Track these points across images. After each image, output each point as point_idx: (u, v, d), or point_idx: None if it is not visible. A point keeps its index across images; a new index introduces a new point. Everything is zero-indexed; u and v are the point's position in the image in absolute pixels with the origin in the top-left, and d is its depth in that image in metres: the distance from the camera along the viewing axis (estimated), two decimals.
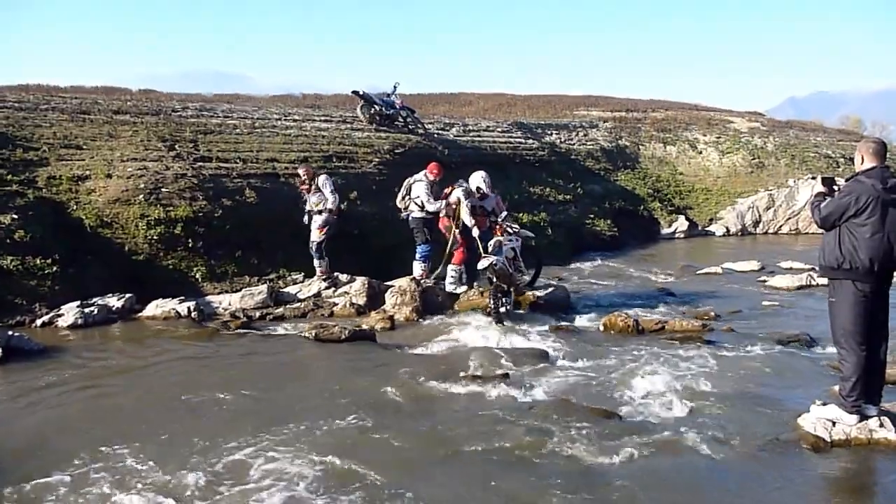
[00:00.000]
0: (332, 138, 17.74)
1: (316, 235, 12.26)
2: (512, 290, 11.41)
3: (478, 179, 11.67)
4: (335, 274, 12.41)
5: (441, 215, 11.70)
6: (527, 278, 11.94)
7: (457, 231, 11.47)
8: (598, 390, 7.68)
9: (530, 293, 11.96)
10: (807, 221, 24.36)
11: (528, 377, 8.04)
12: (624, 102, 33.83)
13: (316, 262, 12.39)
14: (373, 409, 6.96)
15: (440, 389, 7.58)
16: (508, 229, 11.64)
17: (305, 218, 12.41)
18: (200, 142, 15.52)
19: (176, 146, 14.91)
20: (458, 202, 11.50)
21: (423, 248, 12.07)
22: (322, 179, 12.43)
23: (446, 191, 11.81)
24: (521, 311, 11.44)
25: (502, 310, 10.91)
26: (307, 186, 12.27)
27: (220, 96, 24.65)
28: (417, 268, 12.06)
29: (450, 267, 11.41)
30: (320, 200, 12.25)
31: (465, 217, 11.26)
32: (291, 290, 12.15)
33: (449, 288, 11.39)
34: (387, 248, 14.35)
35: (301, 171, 12.38)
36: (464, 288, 11.36)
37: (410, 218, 12.16)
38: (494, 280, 10.90)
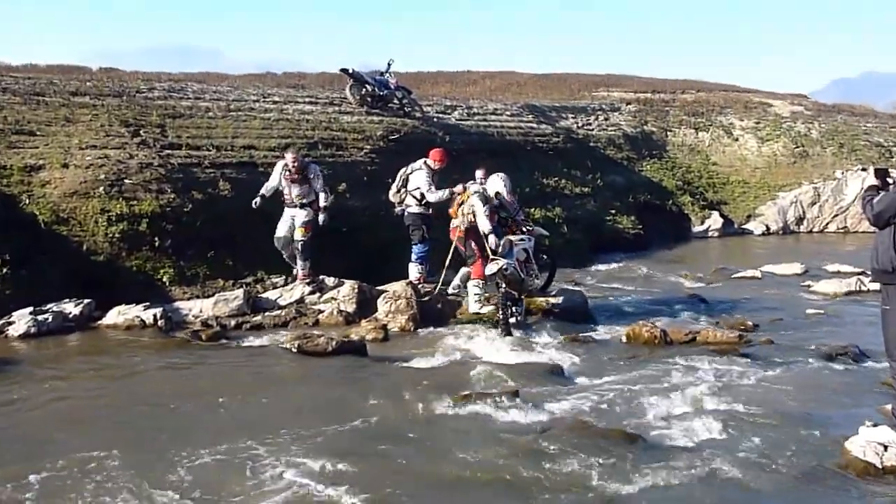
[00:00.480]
0: (318, 123, 17.75)
1: (300, 234, 12.25)
2: (523, 297, 11.42)
3: (498, 184, 11.49)
4: (320, 277, 12.40)
5: (452, 226, 11.55)
6: (539, 282, 11.92)
7: (467, 240, 11.29)
8: (619, 410, 7.69)
9: (542, 299, 11.96)
10: (857, 218, 24.36)
11: (540, 395, 8.04)
12: (650, 82, 33.81)
13: (299, 264, 12.38)
14: (362, 433, 6.96)
15: (440, 409, 7.58)
16: (522, 227, 11.65)
17: (256, 200, 12.27)
18: (168, 127, 15.53)
19: (141, 132, 14.91)
20: (473, 212, 11.19)
21: (420, 247, 12.08)
22: (314, 169, 12.44)
23: (458, 189, 11.69)
24: (533, 321, 11.43)
25: (512, 320, 10.90)
26: (295, 176, 12.25)
27: (190, 75, 24.63)
28: (414, 270, 12.07)
29: (471, 283, 11.31)
30: (305, 193, 12.25)
31: (483, 224, 11.00)
32: (271, 295, 12.15)
33: (473, 308, 11.29)
34: (379, 247, 14.33)
35: (289, 158, 12.28)
36: (490, 308, 11.14)
37: (406, 214, 12.16)
38: (504, 287, 10.90)
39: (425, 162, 12.14)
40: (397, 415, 7.42)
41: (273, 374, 8.82)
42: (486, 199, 11.25)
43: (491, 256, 10.90)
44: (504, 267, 10.76)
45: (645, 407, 7.71)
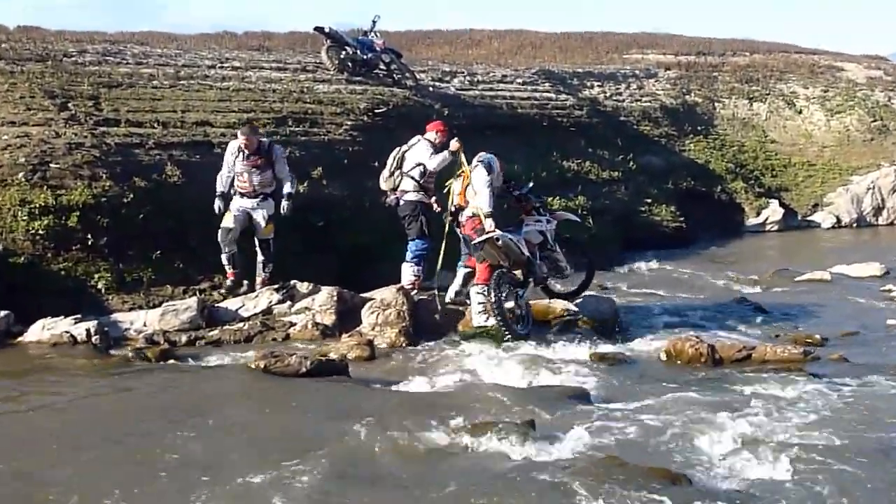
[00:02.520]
0: (287, 93, 17.73)
1: (267, 231, 12.24)
2: (530, 280, 11.54)
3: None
4: (291, 282, 12.38)
5: (468, 215, 11.54)
6: (567, 271, 12.19)
7: (458, 224, 11.39)
8: (658, 444, 7.64)
9: (561, 307, 11.96)
10: None
11: (561, 426, 7.99)
12: (693, 42, 33.82)
13: (260, 267, 12.38)
14: (342, 473, 6.91)
15: (438, 443, 7.54)
16: (539, 208, 11.78)
17: (219, 205, 12.30)
18: (104, 98, 15.49)
19: (70, 105, 14.89)
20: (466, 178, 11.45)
21: (418, 244, 12.03)
22: (279, 151, 12.43)
23: (454, 145, 11.86)
24: (551, 334, 11.43)
25: (509, 305, 10.96)
26: (256, 160, 12.20)
27: (129, 35, 24.62)
28: (408, 273, 12.03)
29: (474, 289, 11.36)
30: (269, 180, 12.20)
31: (483, 200, 11.19)
32: (231, 304, 12.14)
33: (477, 320, 11.32)
34: (364, 245, 14.32)
35: (241, 139, 12.26)
36: (495, 320, 11.12)
37: (402, 203, 12.13)
38: (499, 262, 10.98)
39: (423, 137, 12.18)
40: (385, 451, 7.37)
41: (233, 400, 8.76)
42: (490, 167, 11.41)
43: (488, 229, 11.05)
44: (496, 237, 10.86)
45: (690, 440, 7.66)
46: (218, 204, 12.27)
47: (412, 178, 12.04)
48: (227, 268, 12.46)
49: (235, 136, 12.72)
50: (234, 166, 12.23)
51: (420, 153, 12.10)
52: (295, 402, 8.65)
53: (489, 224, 11.09)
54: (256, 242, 12.48)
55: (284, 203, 12.34)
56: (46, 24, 26.34)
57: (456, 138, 12.10)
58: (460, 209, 11.70)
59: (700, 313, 13.33)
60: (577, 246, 12.96)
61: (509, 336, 10.88)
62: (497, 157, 11.92)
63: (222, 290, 12.53)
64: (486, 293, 11.10)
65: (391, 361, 10.47)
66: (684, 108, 27.03)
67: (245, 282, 12.47)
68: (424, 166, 12.01)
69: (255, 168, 12.18)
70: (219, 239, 12.30)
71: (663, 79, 28.44)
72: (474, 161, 11.69)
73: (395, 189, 12.25)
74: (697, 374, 9.87)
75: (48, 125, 14.01)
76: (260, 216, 12.29)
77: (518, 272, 11.38)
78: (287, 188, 12.36)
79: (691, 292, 15.31)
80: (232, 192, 12.35)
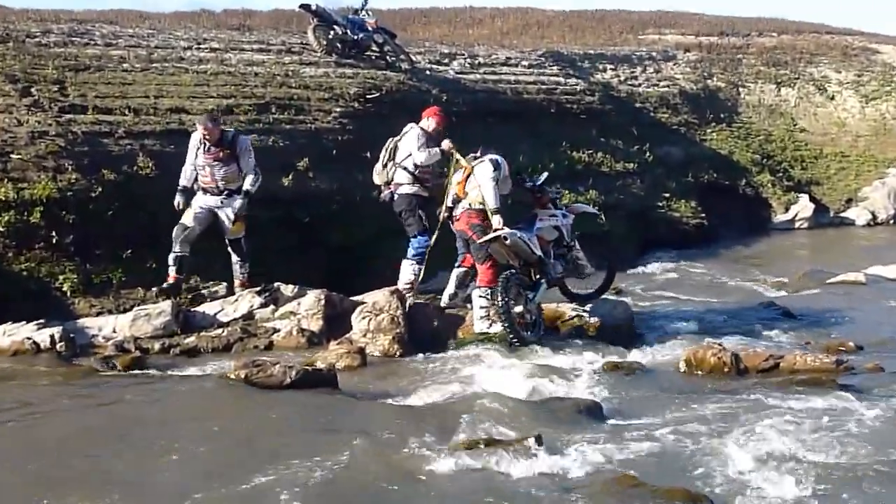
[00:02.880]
0: (271, 77, 17.72)
1: (236, 228, 12.16)
2: (542, 282, 11.52)
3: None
4: (274, 285, 12.38)
5: (459, 210, 11.56)
6: (588, 270, 12.23)
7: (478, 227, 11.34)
8: (676, 462, 7.64)
9: (572, 312, 11.97)
10: None
11: (571, 442, 7.99)
12: (716, 22, 33.83)
13: (237, 269, 12.43)
14: (328, 497, 6.91)
15: (436, 461, 7.52)
16: (553, 203, 11.81)
17: (179, 200, 12.25)
18: (69, 83, 15.48)
19: (32, 90, 14.87)
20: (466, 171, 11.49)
21: (420, 240, 12.01)
22: (244, 142, 12.36)
23: (446, 144, 11.78)
24: (560, 341, 11.44)
25: (517, 309, 10.98)
26: (218, 153, 12.13)
27: (98, 13, 24.61)
28: (407, 272, 12.02)
29: (476, 292, 11.38)
30: (234, 174, 12.12)
31: (490, 196, 11.18)
32: (209, 309, 12.14)
33: (479, 326, 11.35)
34: (354, 244, 14.32)
35: (201, 128, 12.19)
36: (499, 327, 11.16)
37: (397, 196, 12.13)
38: (508, 262, 11.06)
39: (420, 125, 12.18)
40: (377, 470, 7.36)
41: (211, 414, 8.75)
42: (497, 164, 11.38)
43: (495, 226, 11.05)
44: (504, 236, 10.89)
45: (711, 458, 7.66)
46: (178, 199, 12.23)
47: (406, 169, 12.04)
48: (170, 268, 12.26)
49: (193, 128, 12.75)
50: (196, 159, 12.20)
51: (410, 142, 12.12)
52: (278, 416, 8.63)
53: (497, 221, 11.08)
54: (227, 243, 12.44)
55: (239, 201, 12.19)
56: (8, 1, 26.34)
57: (448, 139, 12.08)
58: (457, 202, 11.68)
59: (723, 319, 13.32)
60: (594, 243, 12.95)
61: (518, 343, 10.88)
62: (505, 160, 11.84)
63: (201, 293, 12.53)
64: (489, 297, 11.08)
65: (384, 371, 10.44)
66: (706, 94, 27.03)
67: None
68: (414, 162, 12.00)
69: (218, 161, 12.12)
70: (173, 235, 12.19)
71: (683, 62, 28.43)
72: (481, 158, 11.62)
73: (388, 183, 12.25)
74: (720, 385, 9.86)
75: (9, 112, 14.01)
76: (224, 215, 12.23)
77: (529, 272, 11.35)
78: (247, 184, 12.22)
79: (713, 296, 15.30)
80: (196, 187, 12.33)
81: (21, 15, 21.06)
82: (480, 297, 11.25)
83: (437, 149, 11.99)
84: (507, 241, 10.99)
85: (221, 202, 12.23)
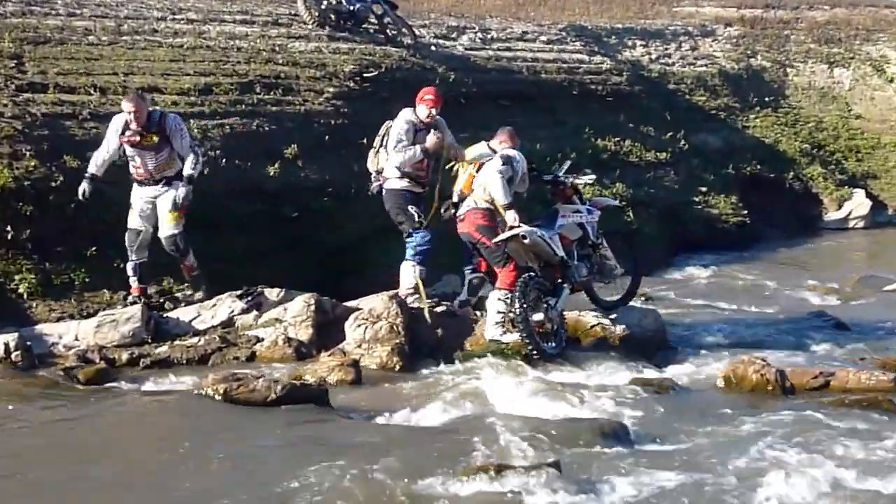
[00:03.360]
0: (255, 53, 17.73)
1: (173, 223, 11.95)
2: (566, 285, 11.55)
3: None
4: (257, 288, 12.37)
5: (464, 209, 11.55)
6: (616, 271, 12.27)
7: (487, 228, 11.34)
8: (713, 493, 7.64)
9: (594, 321, 11.97)
10: None
11: (593, 469, 8.00)
12: None
13: (181, 260, 12.23)
14: None
15: (440, 489, 7.53)
16: (576, 194, 11.83)
17: (84, 188, 12.00)
18: (27, 58, 15.48)
19: None
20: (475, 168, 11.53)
21: (418, 237, 11.91)
22: (174, 121, 12.10)
23: (431, 140, 11.76)
24: (581, 353, 11.44)
25: (537, 317, 10.99)
26: (145, 137, 11.84)
27: None
28: (409, 274, 11.96)
29: (493, 294, 11.39)
30: (167, 161, 12.01)
31: (498, 191, 11.18)
32: (183, 314, 12.15)
33: (491, 332, 11.34)
34: (348, 242, 14.33)
35: (130, 105, 11.82)
36: (515, 336, 11.13)
37: (385, 192, 12.09)
38: (527, 263, 11.09)
39: (413, 110, 12.09)
40: (373, 499, 7.38)
41: (186, 434, 8.76)
42: (507, 159, 11.35)
43: (510, 222, 11.08)
44: (522, 235, 10.88)
45: (754, 489, 7.66)
46: (84, 187, 11.97)
47: (394, 164, 11.92)
48: (131, 280, 12.21)
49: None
50: (118, 145, 11.91)
51: (393, 131, 11.98)
52: (263, 438, 8.66)
53: (511, 217, 11.07)
54: (163, 243, 12.09)
55: (182, 189, 11.93)
56: None
57: (434, 135, 11.86)
58: (462, 199, 11.66)
59: (766, 330, 13.32)
60: (619, 241, 12.92)
61: (536, 355, 10.88)
62: (524, 158, 11.82)
63: (175, 296, 12.55)
64: (509, 301, 11.08)
65: (381, 387, 10.45)
66: (748, 75, 27.00)
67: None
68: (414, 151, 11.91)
69: (145, 148, 11.86)
70: (126, 244, 12.10)
71: (723, 38, 28.42)
72: (490, 155, 11.64)
73: (379, 172, 12.20)
74: (763, 405, 9.85)
75: None
76: (164, 205, 11.96)
77: (550, 275, 11.34)
78: (187, 168, 11.97)
79: (755, 304, 15.29)
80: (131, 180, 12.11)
81: None
82: (499, 300, 11.22)
83: (416, 148, 11.81)
84: (527, 241, 10.97)
85: (159, 191, 12.00)
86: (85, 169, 12.45)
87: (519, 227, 10.98)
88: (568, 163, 12.64)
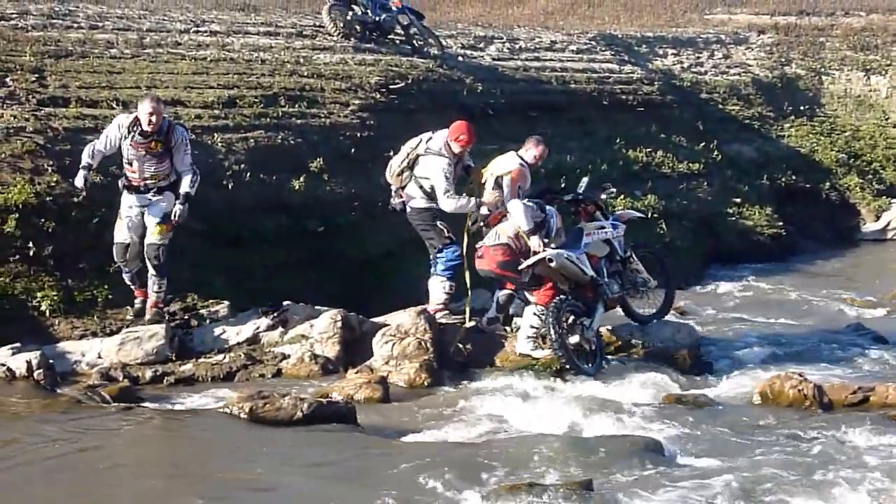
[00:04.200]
0: (279, 65, 17.77)
1: (158, 234, 11.85)
2: (598, 306, 11.52)
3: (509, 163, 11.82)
4: (284, 304, 12.38)
5: (484, 245, 11.51)
6: (650, 283, 12.20)
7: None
8: None
9: (624, 333, 11.94)
10: None
11: (626, 488, 7.97)
12: (794, 0, 33.66)
13: (152, 282, 12.06)
14: None
15: None
16: (599, 210, 11.79)
17: (84, 177, 11.80)
18: (49, 72, 15.55)
19: (7, 79, 14.96)
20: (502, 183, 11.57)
21: (448, 252, 11.91)
22: (182, 134, 12.08)
23: (489, 198, 11.75)
24: (612, 368, 11.40)
25: (574, 339, 10.99)
26: (153, 143, 11.80)
27: None
28: (438, 290, 11.96)
29: (529, 310, 11.39)
30: (167, 171, 12.00)
31: (519, 215, 11.20)
32: (208, 331, 12.17)
33: (522, 347, 11.37)
34: (375, 257, 14.33)
35: (146, 108, 11.70)
36: (546, 352, 11.20)
37: (409, 209, 12.10)
38: (557, 286, 11.08)
39: (446, 143, 12.03)
40: None
41: (210, 454, 8.78)
42: (537, 211, 11.43)
43: (535, 248, 11.08)
44: (549, 258, 10.90)
45: None
46: (82, 176, 11.79)
47: (422, 188, 11.96)
48: (133, 287, 12.21)
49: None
50: (118, 147, 11.80)
51: (436, 173, 11.87)
52: (287, 457, 8.65)
53: (535, 242, 11.09)
54: (144, 251, 11.95)
55: (178, 207, 11.91)
56: None
57: (491, 191, 11.83)
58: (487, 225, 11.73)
59: (803, 344, 13.26)
60: (648, 254, 12.89)
61: (573, 372, 10.92)
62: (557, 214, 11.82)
63: (199, 313, 12.54)
64: (544, 318, 11.08)
65: (410, 404, 10.44)
66: (783, 83, 26.90)
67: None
68: (436, 195, 11.89)
69: (151, 155, 11.82)
70: (115, 258, 12.05)
71: (756, 45, 28.34)
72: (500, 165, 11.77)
73: (401, 188, 12.20)
74: (800, 422, 9.81)
75: None
76: (153, 213, 11.90)
77: (582, 295, 11.32)
78: (185, 185, 11.96)
79: (792, 317, 15.21)
80: (121, 184, 11.99)
81: None
82: (534, 314, 11.24)
83: (472, 202, 11.85)
84: (553, 264, 10.97)
85: (150, 200, 11.93)
86: (107, 183, 12.51)
87: (544, 251, 10.98)
88: (586, 179, 12.60)
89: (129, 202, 11.94)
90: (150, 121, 11.62)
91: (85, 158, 11.87)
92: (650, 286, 12.38)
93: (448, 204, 11.78)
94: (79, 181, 11.86)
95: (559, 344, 10.72)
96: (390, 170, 12.31)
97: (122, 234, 11.95)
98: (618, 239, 11.98)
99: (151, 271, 12.02)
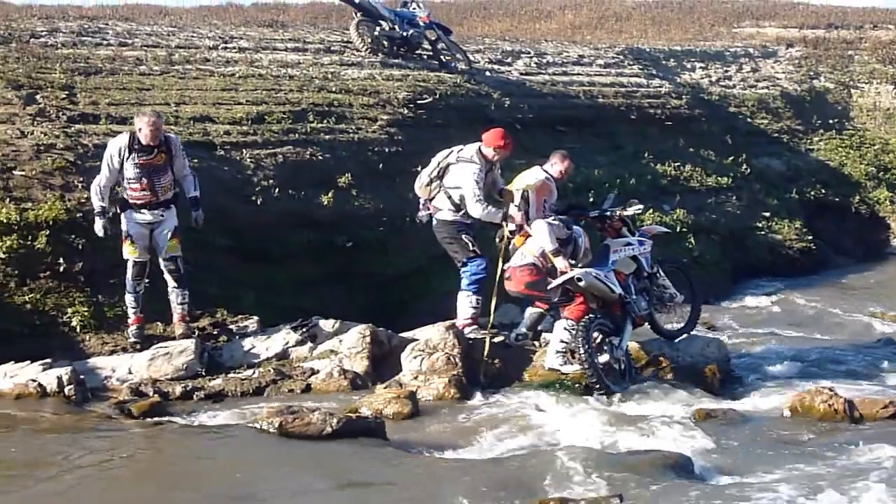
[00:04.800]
0: (308, 81, 17.86)
1: (174, 247, 11.96)
2: (628, 324, 11.52)
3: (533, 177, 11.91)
4: (312, 319, 12.41)
5: (511, 266, 11.51)
6: (677, 297, 12.18)
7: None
8: None
9: (653, 348, 11.92)
10: None
11: (656, 503, 7.96)
12: (823, 13, 33.69)
13: (175, 299, 12.13)
14: None
15: None
16: (625, 226, 11.79)
17: (103, 225, 11.84)
18: (80, 89, 15.65)
19: (38, 97, 15.05)
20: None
21: (474, 266, 11.89)
22: (177, 141, 12.17)
23: (516, 214, 11.72)
24: (641, 384, 11.38)
25: (604, 358, 11.00)
26: (155, 154, 11.80)
27: (111, 9, 24.94)
28: (466, 304, 11.95)
29: (561, 323, 11.36)
30: (171, 182, 11.98)
31: (543, 236, 11.21)
32: (237, 346, 12.19)
33: (551, 362, 11.35)
34: (403, 272, 14.33)
35: (147, 122, 11.70)
36: (575, 368, 11.18)
37: (435, 221, 12.10)
38: (588, 305, 11.08)
39: (479, 149, 12.04)
40: None
41: (239, 469, 8.79)
42: (562, 230, 11.42)
43: (561, 268, 11.09)
44: (577, 277, 10.90)
45: None
46: (101, 225, 11.86)
47: (451, 198, 11.96)
48: (131, 311, 12.10)
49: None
50: (120, 170, 11.78)
51: (466, 180, 11.84)
52: (317, 472, 8.66)
53: (561, 263, 11.10)
54: (162, 266, 12.05)
55: (194, 213, 12.11)
56: None
57: (516, 211, 11.73)
58: (513, 239, 11.74)
59: (833, 359, 13.20)
60: (674, 268, 12.87)
61: (605, 395, 10.89)
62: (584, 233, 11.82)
63: (228, 328, 12.55)
64: (574, 333, 11.06)
65: (439, 419, 10.42)
66: (811, 97, 26.84)
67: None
68: (465, 204, 11.91)
69: (157, 168, 11.82)
70: (130, 277, 11.96)
71: (784, 59, 28.29)
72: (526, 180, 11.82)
73: (429, 200, 12.20)
74: (831, 436, 9.77)
75: (11, 122, 14.15)
76: (166, 229, 11.94)
77: (610, 314, 11.34)
78: (191, 190, 12.08)
79: (822, 332, 15.15)
80: (113, 209, 11.92)
81: (24, 12, 21.38)
82: (564, 329, 11.21)
83: (499, 214, 11.79)
84: (582, 283, 10.98)
85: (161, 216, 11.94)
86: None
87: (572, 270, 11.00)
88: (611, 196, 12.64)
89: (135, 220, 11.88)
90: (154, 134, 11.66)
91: (97, 202, 11.85)
92: (677, 301, 12.37)
93: (476, 208, 11.73)
94: (99, 230, 11.89)
95: (589, 363, 10.72)
96: (420, 181, 12.29)
97: (136, 253, 11.91)
98: (644, 255, 11.96)
99: (173, 285, 12.10)
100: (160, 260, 12.06)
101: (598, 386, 10.87)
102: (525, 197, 11.76)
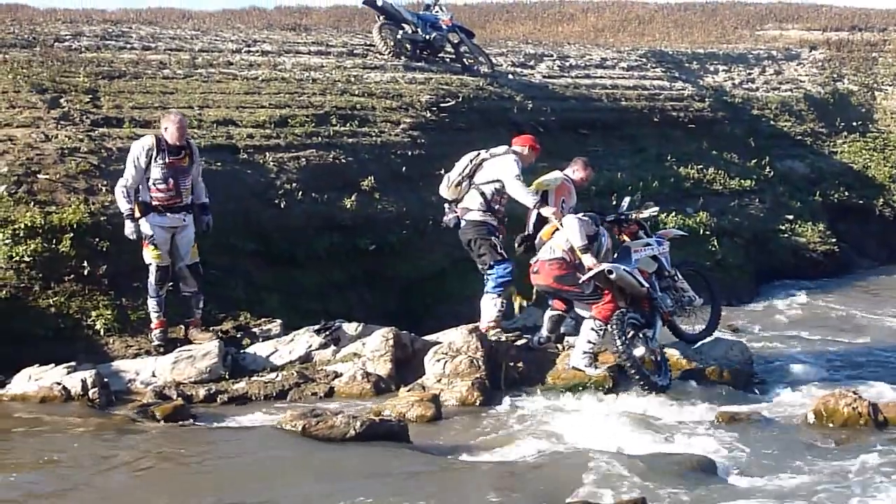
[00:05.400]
0: (331, 84, 17.87)
1: (195, 253, 12.07)
2: (657, 319, 11.58)
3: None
4: (335, 322, 12.42)
5: (540, 259, 11.50)
6: (696, 302, 12.15)
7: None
8: None
9: (678, 353, 11.91)
10: None
11: None
12: (846, 15, 33.50)
13: (196, 300, 12.23)
14: None
15: None
16: (642, 229, 11.91)
17: (133, 229, 11.79)
18: (103, 93, 15.69)
19: (62, 100, 15.09)
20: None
21: (499, 269, 11.89)
22: (195, 144, 12.32)
23: (549, 211, 11.69)
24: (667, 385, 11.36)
25: (640, 352, 11.00)
26: (183, 155, 11.89)
27: (134, 13, 25.01)
28: (490, 307, 11.94)
29: (588, 323, 11.34)
30: (192, 183, 12.05)
31: (574, 231, 11.21)
32: (261, 350, 12.19)
33: (577, 361, 11.35)
34: (427, 275, 14.32)
35: (174, 122, 11.84)
36: (600, 371, 11.24)
37: (464, 223, 12.06)
38: (616, 302, 11.08)
39: (512, 150, 12.12)
40: None
41: (264, 472, 8.80)
42: (588, 224, 11.44)
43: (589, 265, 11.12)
44: (608, 270, 10.95)
45: None
46: (132, 229, 11.83)
47: (482, 194, 11.95)
48: (154, 316, 12.11)
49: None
50: (146, 171, 11.79)
51: (504, 169, 11.90)
52: (340, 475, 8.66)
53: (589, 260, 11.11)
54: (183, 271, 12.12)
55: (205, 218, 12.21)
56: (34, 0, 26.86)
57: (552, 209, 11.73)
58: (537, 242, 11.75)
59: (857, 362, 13.17)
60: (692, 272, 12.83)
61: (648, 391, 10.90)
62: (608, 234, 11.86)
63: (252, 331, 12.58)
64: (602, 333, 11.09)
65: (462, 422, 10.43)
66: (835, 99, 26.72)
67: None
68: (502, 185, 11.88)
69: (183, 169, 11.91)
70: (153, 282, 11.97)
71: (808, 61, 28.18)
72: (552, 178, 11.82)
73: (455, 202, 12.18)
74: (856, 440, 9.74)
75: (35, 126, 14.20)
76: (189, 233, 12.05)
77: (640, 309, 11.37)
78: (202, 195, 12.21)
79: (846, 335, 15.08)
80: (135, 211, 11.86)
81: (48, 16, 21.42)
82: (592, 329, 11.21)
83: (535, 206, 11.79)
84: (613, 276, 10.99)
85: (184, 219, 12.02)
86: None
87: (600, 265, 11.01)
88: (628, 199, 12.66)
89: (159, 223, 11.90)
90: (181, 133, 11.79)
91: (124, 205, 11.81)
92: (696, 304, 12.34)
93: (516, 187, 11.75)
94: (130, 233, 11.86)
95: (627, 355, 10.72)
96: (447, 181, 12.26)
97: (158, 258, 11.91)
98: (664, 255, 11.97)
99: (194, 289, 12.20)
100: (181, 265, 12.10)
101: (639, 379, 10.85)
102: (544, 197, 11.78)
